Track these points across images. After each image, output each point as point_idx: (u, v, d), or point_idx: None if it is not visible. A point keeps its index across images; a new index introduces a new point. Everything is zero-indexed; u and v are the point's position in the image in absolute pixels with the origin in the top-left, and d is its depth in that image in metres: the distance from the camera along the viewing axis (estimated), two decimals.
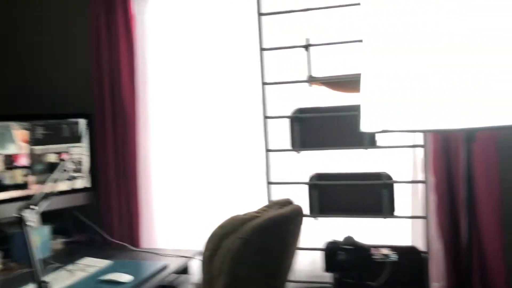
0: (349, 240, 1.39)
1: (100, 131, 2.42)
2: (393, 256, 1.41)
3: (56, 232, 2.32)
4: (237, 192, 2.37)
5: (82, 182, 2.42)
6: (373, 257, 1.39)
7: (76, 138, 2.40)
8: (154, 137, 2.44)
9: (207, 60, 2.40)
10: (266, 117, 2.10)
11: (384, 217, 1.98)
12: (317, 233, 2.24)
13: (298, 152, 2.08)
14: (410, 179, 2.10)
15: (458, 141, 1.96)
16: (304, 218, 2.14)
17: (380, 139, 2.03)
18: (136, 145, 2.39)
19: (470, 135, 1.40)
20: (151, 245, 2.39)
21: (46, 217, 2.11)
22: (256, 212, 1.49)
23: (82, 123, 2.42)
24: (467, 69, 1.19)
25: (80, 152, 2.41)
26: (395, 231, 2.18)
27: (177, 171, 2.45)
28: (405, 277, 1.99)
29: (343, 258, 1.35)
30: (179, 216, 2.46)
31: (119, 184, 2.42)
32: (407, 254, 1.99)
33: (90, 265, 1.94)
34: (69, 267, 1.92)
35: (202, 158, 2.43)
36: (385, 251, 1.42)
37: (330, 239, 1.46)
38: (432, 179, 2.01)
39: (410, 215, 2.10)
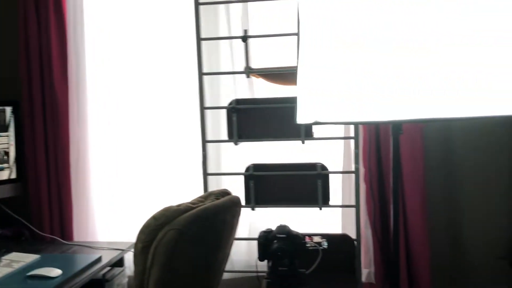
0: (282, 229, 1.42)
1: (29, 119, 2.30)
2: (325, 244, 1.47)
3: None
4: (174, 184, 2.35)
5: (8, 173, 2.29)
6: (306, 245, 1.43)
7: (1, 127, 2.26)
8: (89, 127, 2.35)
9: (144, 49, 2.34)
10: (203, 108, 2.09)
11: (319, 207, 2.04)
12: (255, 223, 2.29)
13: (236, 143, 2.09)
14: (342, 170, 2.18)
15: (387, 133, 2.06)
16: (242, 209, 2.18)
17: (316, 131, 2.09)
18: (68, 135, 2.29)
19: (397, 127, 1.47)
20: (85, 238, 2.32)
21: None
22: (191, 203, 1.49)
23: (8, 111, 2.28)
24: (392, 65, 1.25)
25: (6, 141, 2.28)
26: (328, 220, 2.26)
27: (113, 161, 2.39)
28: (337, 264, 2.08)
29: (276, 246, 1.38)
30: (114, 208, 2.40)
31: (49, 175, 2.31)
32: (339, 242, 2.07)
33: (17, 260, 1.85)
34: None
35: (139, 148, 2.38)
36: (317, 239, 1.47)
37: (264, 228, 1.48)
38: (362, 170, 2.10)
39: (341, 204, 2.18)
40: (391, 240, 1.52)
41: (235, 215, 1.60)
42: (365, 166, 2.11)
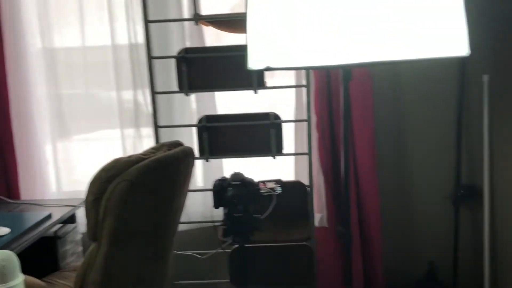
0: (236, 176, 1.43)
1: None
2: (278, 189, 1.49)
3: None
4: (126, 137, 2.29)
5: None
6: (260, 191, 1.44)
7: None
8: (31, 76, 2.21)
9: None
10: (151, 58, 2.01)
11: (273, 156, 2.06)
12: (210, 175, 2.29)
13: (187, 94, 2.04)
14: (294, 118, 2.20)
15: (338, 82, 2.08)
16: (197, 161, 2.17)
17: (269, 81, 2.07)
18: (6, 86, 2.16)
19: (347, 74, 1.48)
20: (33, 197, 2.24)
21: None
22: (142, 154, 1.45)
23: None
24: (339, 9, 1.24)
25: None
26: (282, 168, 2.30)
27: (58, 114, 2.29)
28: (292, 209, 2.13)
29: (231, 193, 1.39)
30: (63, 165, 2.32)
31: None
32: (293, 188, 2.12)
33: None
34: None
35: (87, 100, 2.29)
36: (271, 185, 1.48)
37: (216, 176, 1.48)
38: (314, 118, 2.12)
39: (294, 152, 2.22)
40: (342, 186, 1.57)
41: (189, 166, 1.58)
42: (317, 115, 2.14)
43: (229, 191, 1.39)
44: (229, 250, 2.04)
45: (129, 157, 1.39)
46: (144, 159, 1.40)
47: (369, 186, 2.16)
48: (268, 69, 1.38)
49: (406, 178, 2.33)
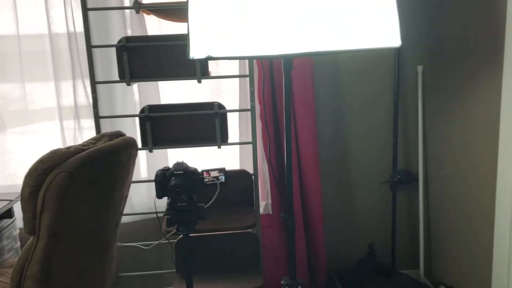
0: (179, 166, 1.43)
1: None
2: (222, 178, 1.50)
3: None
4: (65, 129, 2.22)
5: None
6: (203, 180, 1.45)
7: None
8: None
9: None
10: (91, 47, 1.96)
11: (218, 145, 2.07)
12: (154, 166, 2.27)
13: (128, 84, 2.01)
14: (238, 108, 2.22)
15: (281, 71, 2.11)
16: (141, 152, 2.14)
17: (213, 71, 2.08)
18: None
19: (288, 63, 1.51)
20: None
21: None
22: (81, 145, 1.42)
23: None
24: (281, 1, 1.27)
25: None
26: (228, 157, 2.32)
27: None
28: (237, 198, 2.16)
29: (174, 183, 1.39)
30: None
31: None
32: (238, 177, 2.15)
33: None
34: None
35: (23, 91, 2.19)
36: (214, 173, 1.50)
37: (161, 167, 1.48)
38: (258, 107, 2.15)
39: (238, 141, 2.24)
40: (286, 173, 1.61)
41: (131, 156, 1.57)
42: (260, 104, 2.17)
43: (172, 181, 1.39)
44: (174, 241, 2.04)
45: (68, 148, 1.36)
46: (83, 150, 1.37)
47: (311, 173, 2.23)
48: (209, 58, 1.39)
49: (346, 165, 2.42)
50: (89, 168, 1.34)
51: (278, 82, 2.15)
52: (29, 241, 1.32)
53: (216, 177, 1.50)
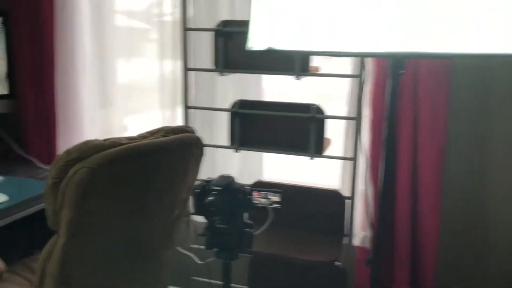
0: (220, 181, 1.16)
1: (16, 31, 2.13)
2: (277, 204, 1.19)
3: None
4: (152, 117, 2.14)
5: None
6: (252, 201, 1.16)
7: None
8: (76, 42, 2.14)
9: None
10: (186, 29, 1.80)
11: (310, 156, 1.74)
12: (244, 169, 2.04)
13: (221, 74, 1.80)
14: (347, 115, 1.84)
15: (405, 76, 1.66)
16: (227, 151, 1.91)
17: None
18: (53, 48, 2.10)
19: (397, 64, 1.18)
20: None
21: None
22: (127, 138, 1.25)
23: None
24: None
25: None
26: (326, 172, 1.97)
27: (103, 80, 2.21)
28: (322, 222, 1.81)
29: (209, 200, 1.13)
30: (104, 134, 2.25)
31: (36, 94, 2.17)
32: (327, 198, 1.79)
33: None
34: None
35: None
36: (270, 195, 1.19)
37: (206, 177, 1.23)
38: (368, 116, 1.74)
39: (342, 155, 1.87)
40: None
41: (185, 157, 1.35)
42: (374, 113, 1.75)
43: (209, 197, 1.13)
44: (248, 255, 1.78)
45: (105, 140, 1.20)
46: (122, 144, 1.20)
47: (428, 206, 1.74)
48: (271, 50, 1.09)
49: (479, 206, 1.84)
50: (118, 167, 1.16)
51: (404, 89, 1.70)
52: (53, 237, 1.21)
53: (270, 201, 1.19)
